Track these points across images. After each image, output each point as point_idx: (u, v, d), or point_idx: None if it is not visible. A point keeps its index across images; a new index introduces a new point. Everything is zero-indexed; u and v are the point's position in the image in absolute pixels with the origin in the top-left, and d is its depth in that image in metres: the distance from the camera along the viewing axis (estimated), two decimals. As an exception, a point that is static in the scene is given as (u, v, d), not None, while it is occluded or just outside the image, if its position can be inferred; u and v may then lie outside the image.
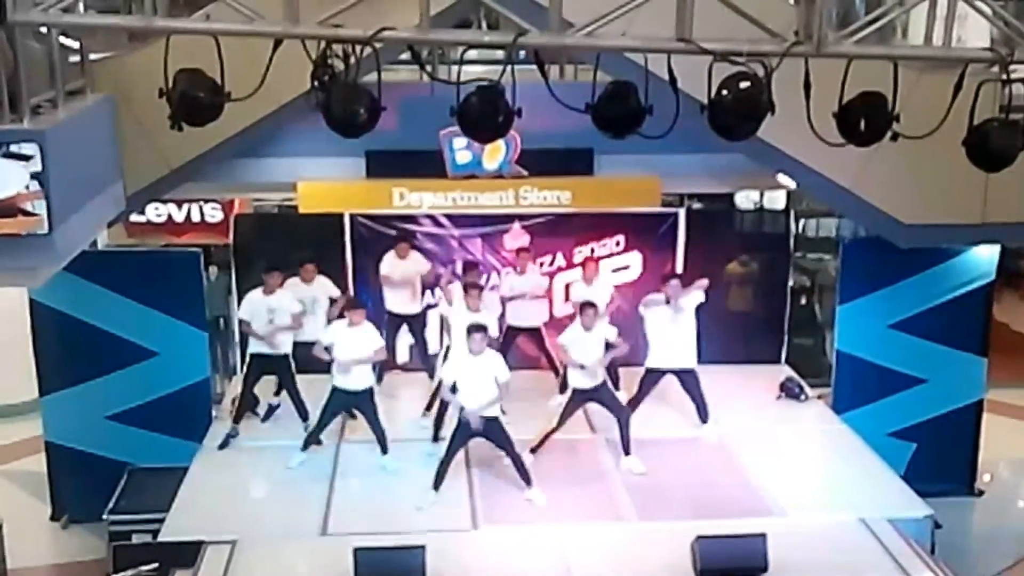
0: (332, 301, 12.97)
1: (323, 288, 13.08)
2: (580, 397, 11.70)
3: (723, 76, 7.40)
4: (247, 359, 12.43)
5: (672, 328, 12.10)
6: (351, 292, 13.94)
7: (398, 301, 13.49)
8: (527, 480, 11.02)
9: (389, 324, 13.46)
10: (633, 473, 11.56)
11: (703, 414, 12.40)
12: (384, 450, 11.71)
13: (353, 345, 11.45)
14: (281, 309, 12.08)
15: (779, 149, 10.93)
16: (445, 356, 12.43)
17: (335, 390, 11.53)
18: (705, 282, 12.25)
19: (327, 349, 11.47)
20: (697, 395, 12.33)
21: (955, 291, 13.34)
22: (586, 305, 11.68)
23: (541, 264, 14.40)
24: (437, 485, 10.96)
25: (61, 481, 13.25)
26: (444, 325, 12.83)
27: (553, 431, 11.71)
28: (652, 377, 12.25)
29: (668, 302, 12.12)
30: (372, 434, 11.70)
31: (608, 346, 11.69)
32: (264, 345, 12.09)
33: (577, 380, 11.60)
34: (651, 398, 12.35)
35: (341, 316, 11.97)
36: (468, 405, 10.81)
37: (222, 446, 12.14)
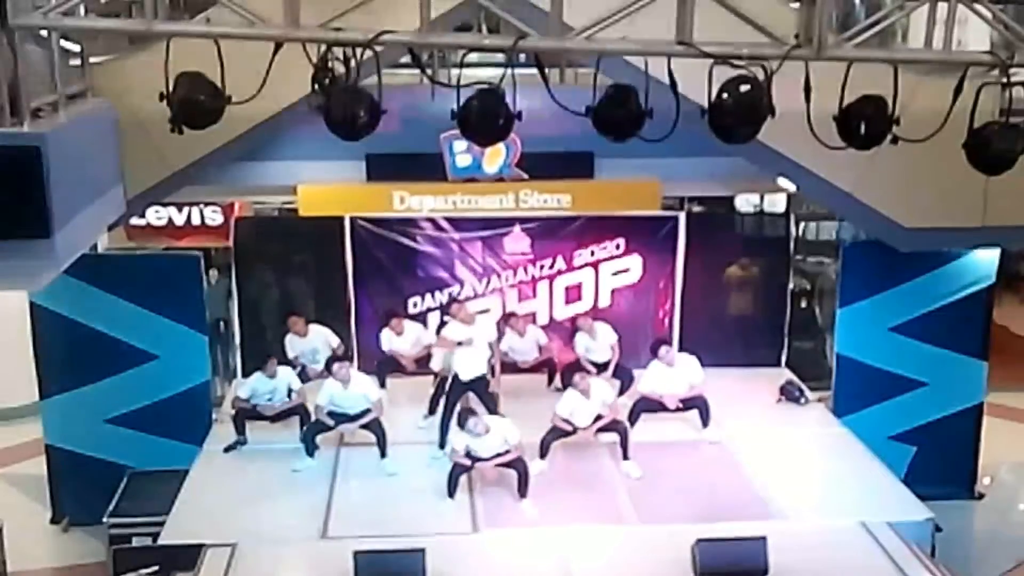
0: (334, 350, 13.05)
1: (321, 337, 13.19)
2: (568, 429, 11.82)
3: (723, 79, 7.42)
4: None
5: (670, 384, 12.30)
6: (351, 298, 14.00)
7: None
8: (523, 491, 11.06)
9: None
10: (631, 477, 11.56)
11: (705, 420, 12.41)
12: (383, 453, 11.72)
13: (349, 405, 11.74)
14: (279, 391, 12.28)
15: (779, 152, 10.93)
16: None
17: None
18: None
19: (330, 414, 11.77)
20: (702, 409, 12.37)
21: (955, 294, 13.33)
22: (578, 370, 12.02)
23: (542, 267, 14.42)
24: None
25: (61, 484, 13.23)
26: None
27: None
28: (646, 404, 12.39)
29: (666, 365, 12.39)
30: (372, 437, 11.71)
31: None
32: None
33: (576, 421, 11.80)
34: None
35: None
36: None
37: (227, 449, 12.17)
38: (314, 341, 13.15)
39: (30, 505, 13.55)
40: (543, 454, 11.61)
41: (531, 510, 10.84)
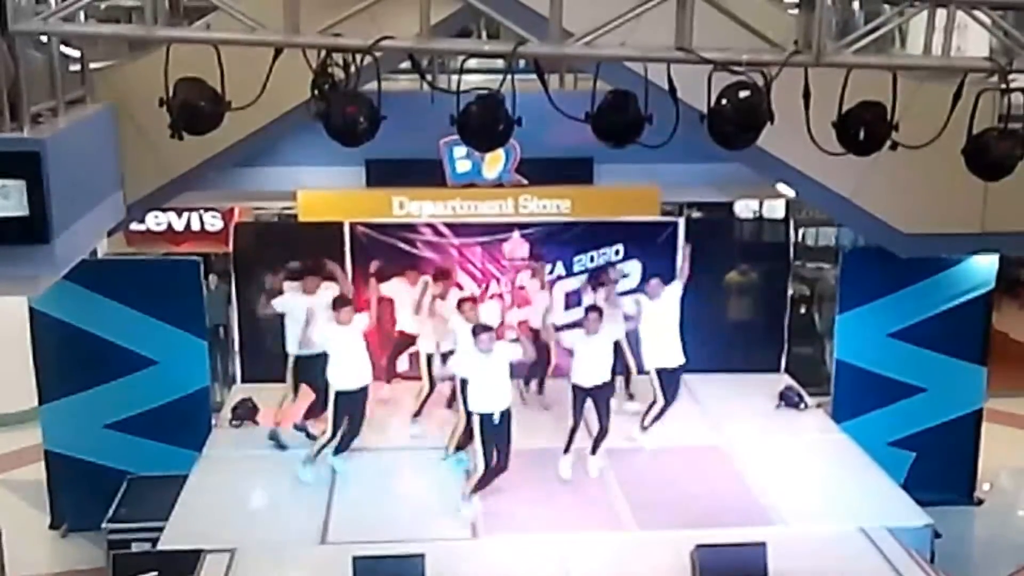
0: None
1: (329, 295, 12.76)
2: (581, 394, 11.65)
3: (723, 85, 7.43)
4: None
5: (662, 326, 12.25)
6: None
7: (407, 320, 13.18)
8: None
9: (398, 341, 13.39)
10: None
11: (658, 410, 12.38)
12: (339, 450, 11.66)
13: (347, 342, 11.42)
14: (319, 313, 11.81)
15: (778, 158, 10.93)
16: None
17: (338, 395, 11.40)
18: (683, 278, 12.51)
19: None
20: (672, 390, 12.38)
21: (954, 300, 13.35)
22: (590, 310, 11.71)
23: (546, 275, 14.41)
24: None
25: (60, 490, 13.24)
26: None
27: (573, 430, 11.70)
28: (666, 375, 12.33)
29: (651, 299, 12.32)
30: (370, 441, 11.71)
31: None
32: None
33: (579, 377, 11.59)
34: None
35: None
36: (485, 404, 10.76)
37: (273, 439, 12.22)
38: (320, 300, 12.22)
39: (29, 511, 13.55)
40: (568, 446, 11.63)
41: (531, 516, 10.83)
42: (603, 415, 11.71)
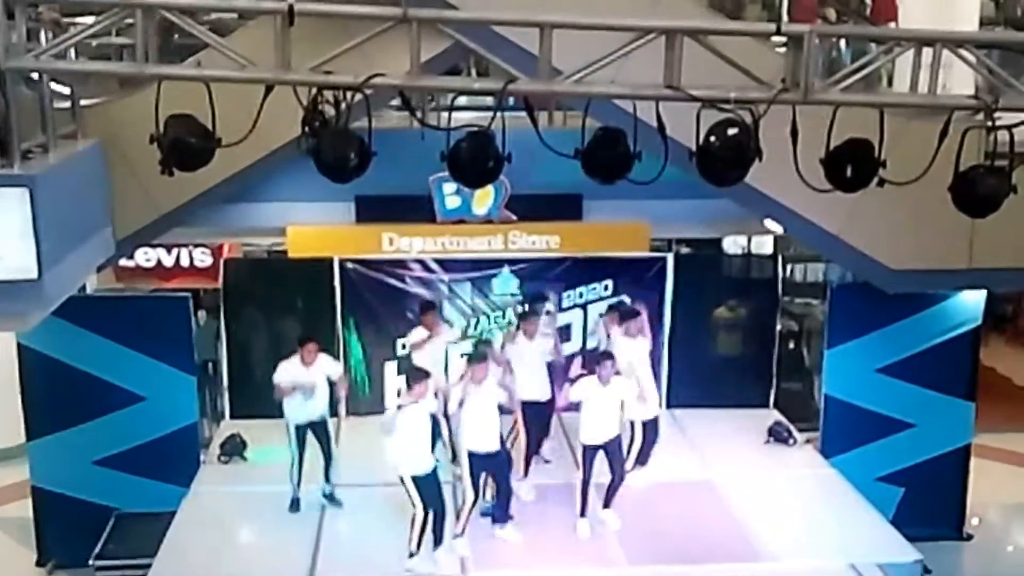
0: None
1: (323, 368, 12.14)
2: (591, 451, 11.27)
3: (711, 123, 7.48)
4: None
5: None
6: (341, 340, 13.97)
7: None
8: (503, 518, 11.06)
9: None
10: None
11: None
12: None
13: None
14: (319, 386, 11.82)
15: (767, 195, 10.98)
16: None
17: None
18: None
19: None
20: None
21: (942, 336, 13.36)
22: (604, 356, 11.32)
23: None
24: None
25: (47, 526, 13.13)
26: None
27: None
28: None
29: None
30: (358, 478, 11.69)
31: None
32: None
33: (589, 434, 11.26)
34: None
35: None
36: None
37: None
38: (315, 373, 11.94)
39: (16, 547, 13.47)
40: (583, 508, 11.34)
41: (521, 552, 10.79)
42: (616, 464, 11.36)
